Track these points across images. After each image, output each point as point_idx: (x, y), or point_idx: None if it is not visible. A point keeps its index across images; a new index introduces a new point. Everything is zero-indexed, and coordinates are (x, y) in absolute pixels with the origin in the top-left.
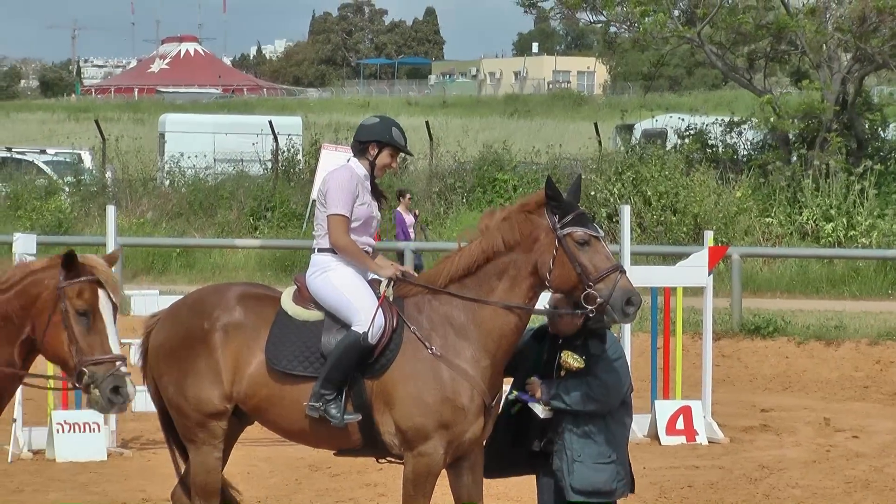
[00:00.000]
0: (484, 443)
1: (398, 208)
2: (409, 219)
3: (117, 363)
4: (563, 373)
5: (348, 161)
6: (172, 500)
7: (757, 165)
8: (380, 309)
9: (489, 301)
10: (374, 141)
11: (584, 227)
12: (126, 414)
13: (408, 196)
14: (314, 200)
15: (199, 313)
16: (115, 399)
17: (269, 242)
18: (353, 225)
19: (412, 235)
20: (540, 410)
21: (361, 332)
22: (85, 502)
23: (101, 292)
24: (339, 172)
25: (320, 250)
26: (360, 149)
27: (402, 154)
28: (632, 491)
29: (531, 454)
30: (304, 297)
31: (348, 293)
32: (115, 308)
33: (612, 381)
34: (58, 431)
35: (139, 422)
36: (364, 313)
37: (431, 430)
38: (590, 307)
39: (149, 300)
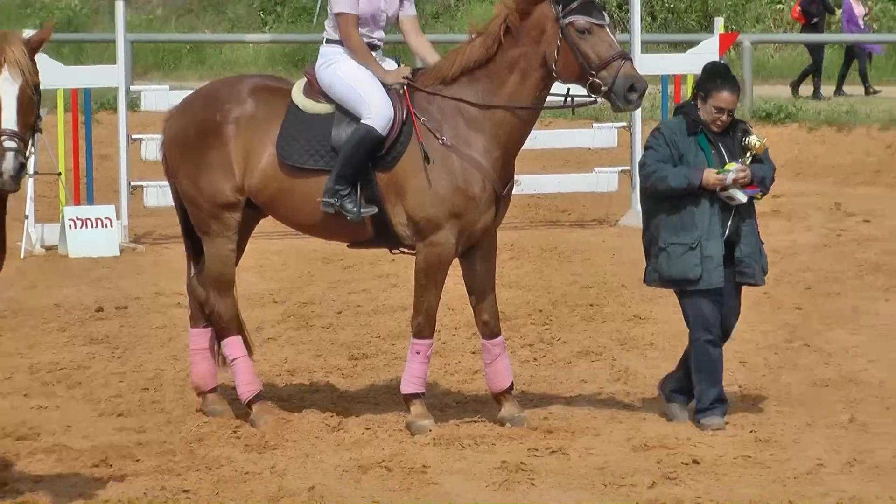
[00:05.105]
0: (496, 231)
1: None
2: (858, 9)
3: (2, 137)
4: (749, 158)
5: None
6: (188, 292)
7: None
8: (388, 99)
9: (497, 105)
10: None
11: (586, 15)
12: (138, 209)
13: None
14: None
15: (211, 106)
16: None
17: (280, 37)
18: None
19: (863, 27)
20: (742, 196)
21: (371, 125)
22: (98, 297)
23: (4, 70)
24: None
25: (328, 41)
26: None
27: None
28: None
29: None
30: (315, 89)
31: (357, 85)
32: (22, 87)
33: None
34: (70, 227)
35: (152, 217)
36: (373, 105)
37: (443, 219)
38: (594, 96)
39: (159, 95)
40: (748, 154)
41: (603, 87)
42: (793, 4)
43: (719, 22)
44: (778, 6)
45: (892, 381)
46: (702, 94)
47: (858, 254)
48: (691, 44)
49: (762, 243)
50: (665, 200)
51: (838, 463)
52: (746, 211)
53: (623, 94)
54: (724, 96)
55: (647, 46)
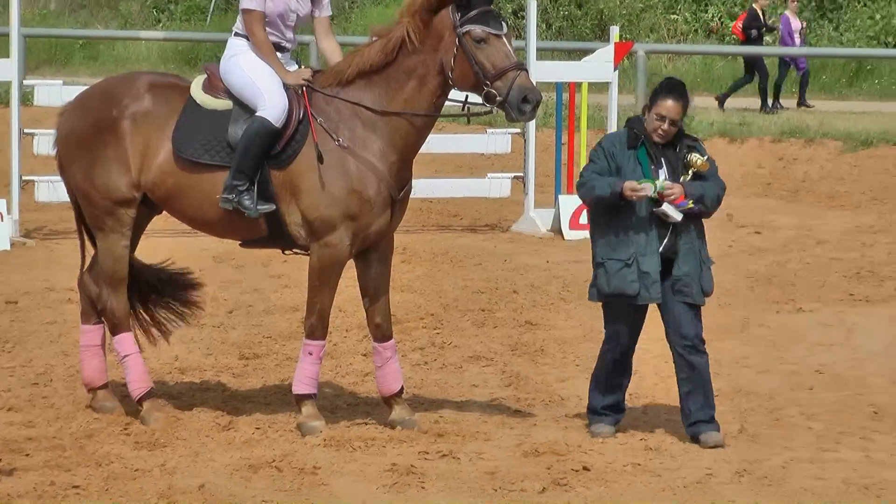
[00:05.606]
0: (393, 235)
1: (786, 11)
2: (795, 24)
3: None
4: (689, 175)
5: None
6: (79, 289)
7: None
8: (284, 93)
9: (391, 111)
10: None
11: (483, 24)
12: (29, 203)
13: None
14: None
15: (108, 101)
16: None
17: (174, 35)
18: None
19: (797, 42)
20: (676, 214)
21: (265, 116)
22: None
23: None
24: None
25: (236, 34)
26: None
27: None
28: None
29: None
30: (214, 85)
31: (255, 78)
32: None
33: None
34: None
35: (43, 212)
36: (268, 97)
37: (337, 220)
38: (489, 105)
39: (52, 90)
40: (690, 171)
41: (497, 98)
42: (687, 16)
43: (614, 31)
44: (672, 16)
45: (782, 392)
46: (647, 105)
47: (750, 265)
48: (586, 52)
49: (709, 263)
50: (603, 215)
51: (728, 472)
52: (685, 229)
53: (517, 105)
54: (666, 104)
55: (543, 54)
